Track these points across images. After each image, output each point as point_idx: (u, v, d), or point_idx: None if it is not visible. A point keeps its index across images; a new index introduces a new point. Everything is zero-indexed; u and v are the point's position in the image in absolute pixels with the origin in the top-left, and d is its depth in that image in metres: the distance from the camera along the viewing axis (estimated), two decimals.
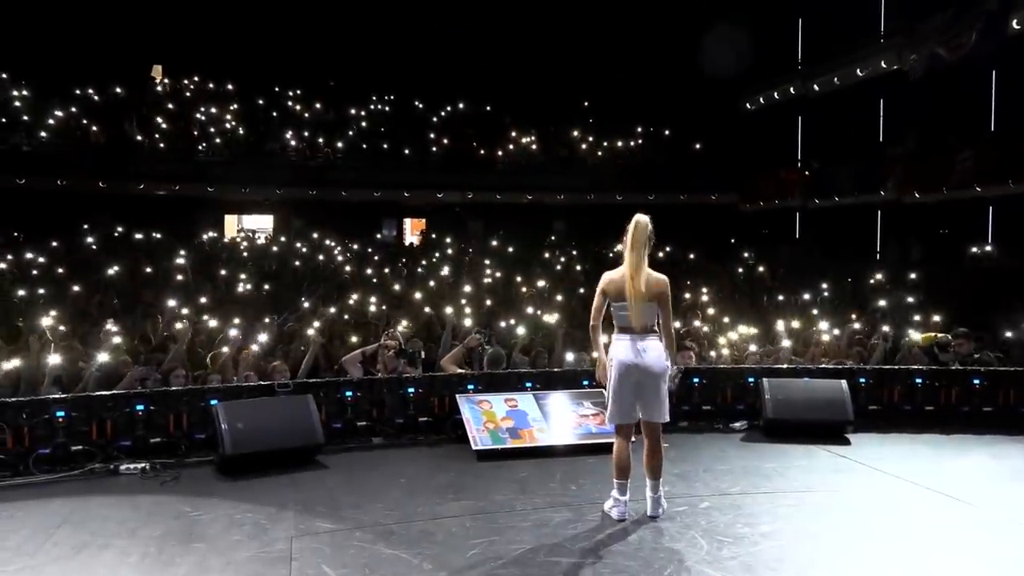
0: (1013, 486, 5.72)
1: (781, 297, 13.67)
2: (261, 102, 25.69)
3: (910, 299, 12.35)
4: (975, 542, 4.65)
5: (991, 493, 5.50)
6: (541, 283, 13.88)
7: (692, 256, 18.58)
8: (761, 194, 23.56)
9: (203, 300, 11.39)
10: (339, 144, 24.12)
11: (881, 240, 20.56)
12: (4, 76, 23.15)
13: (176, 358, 7.39)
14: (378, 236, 24.26)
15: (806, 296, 13.12)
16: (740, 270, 17.08)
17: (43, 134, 21.57)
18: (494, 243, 20.18)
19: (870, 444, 6.77)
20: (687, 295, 12.73)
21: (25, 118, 21.89)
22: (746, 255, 19.00)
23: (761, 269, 17.13)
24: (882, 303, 11.69)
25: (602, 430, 6.46)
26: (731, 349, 9.11)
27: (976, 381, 7.42)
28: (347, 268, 15.64)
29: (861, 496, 5.48)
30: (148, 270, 14.48)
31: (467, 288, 12.65)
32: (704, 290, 13.03)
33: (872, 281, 14.31)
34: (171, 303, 10.42)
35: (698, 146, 25.31)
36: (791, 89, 22.82)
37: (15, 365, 6.91)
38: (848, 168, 20.11)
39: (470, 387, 7.03)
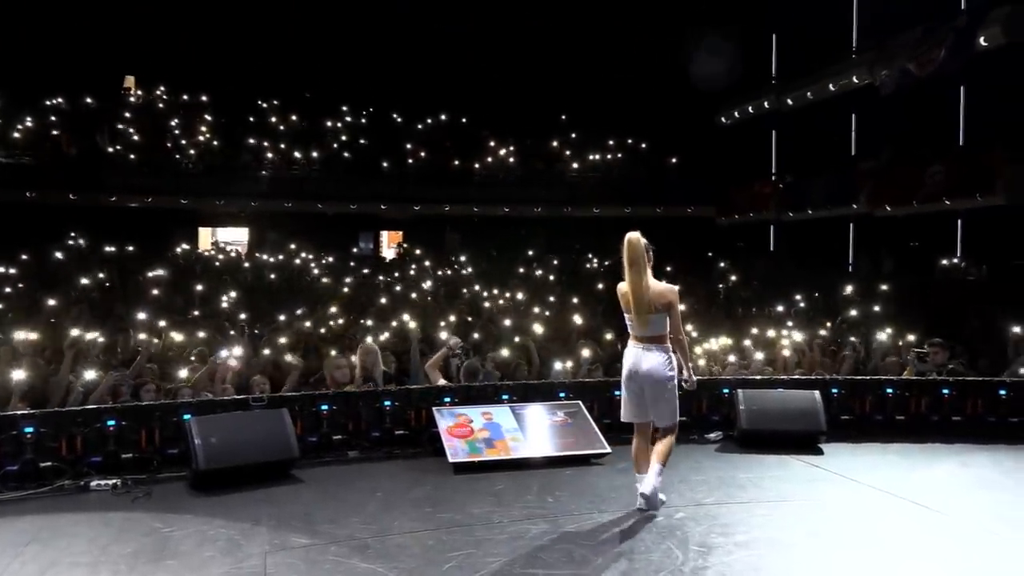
0: (981, 494, 5.82)
1: (755, 309, 13.81)
2: (236, 113, 25.55)
3: (876, 308, 12.54)
4: (944, 550, 4.73)
5: (960, 501, 5.59)
6: (519, 295, 13.93)
7: (668, 269, 18.67)
8: (737, 207, 23.79)
9: (176, 314, 11.30)
10: (315, 156, 24.05)
11: (853, 252, 20.85)
12: None
13: (139, 369, 7.32)
14: (355, 249, 24.17)
15: (779, 307, 13.26)
16: (720, 285, 17.21)
17: (14, 147, 21.29)
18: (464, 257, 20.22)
19: (842, 454, 6.85)
20: None
21: None
22: (722, 266, 19.16)
23: (734, 278, 17.28)
24: (852, 314, 11.86)
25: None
26: (708, 361, 9.19)
27: (945, 391, 7.55)
28: (324, 280, 15.59)
29: (834, 505, 5.54)
30: (121, 283, 14.32)
31: (440, 301, 12.66)
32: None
33: (845, 293, 14.49)
34: (142, 316, 10.33)
35: (675, 159, 25.54)
36: (765, 103, 23.12)
37: None
38: (821, 181, 20.39)
39: (447, 400, 7.04)
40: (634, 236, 5.23)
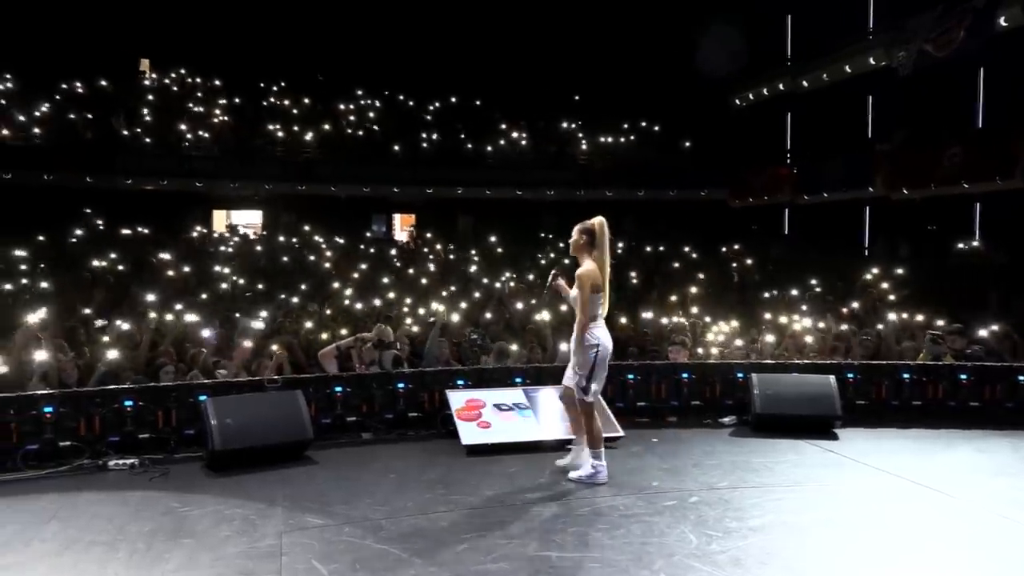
0: (997, 480, 5.77)
1: (768, 293, 13.74)
2: (250, 96, 25.54)
3: (891, 297, 12.44)
4: (959, 535, 4.70)
5: (976, 487, 5.55)
6: (531, 278, 13.92)
7: (681, 252, 18.63)
8: (750, 190, 23.63)
9: (191, 296, 11.35)
10: (328, 139, 24.02)
11: (870, 236, 20.67)
12: None
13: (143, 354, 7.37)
14: (368, 233, 24.17)
15: (794, 291, 13.19)
16: (733, 265, 17.14)
17: (35, 130, 21.38)
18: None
19: (858, 439, 6.81)
20: (676, 291, 12.76)
21: (12, 112, 21.68)
22: (735, 250, 19.08)
23: (749, 261, 17.20)
24: (862, 301, 11.75)
25: None
26: (719, 347, 9.16)
27: (963, 376, 7.48)
28: (336, 264, 15.62)
29: (849, 490, 5.52)
30: (137, 266, 14.40)
31: (452, 286, 12.67)
32: (693, 288, 13.07)
33: (867, 277, 14.35)
34: (152, 298, 10.38)
35: (688, 142, 25.36)
36: (780, 86, 22.91)
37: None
38: (837, 164, 20.21)
39: (460, 382, 7.04)
40: (603, 219, 5.51)
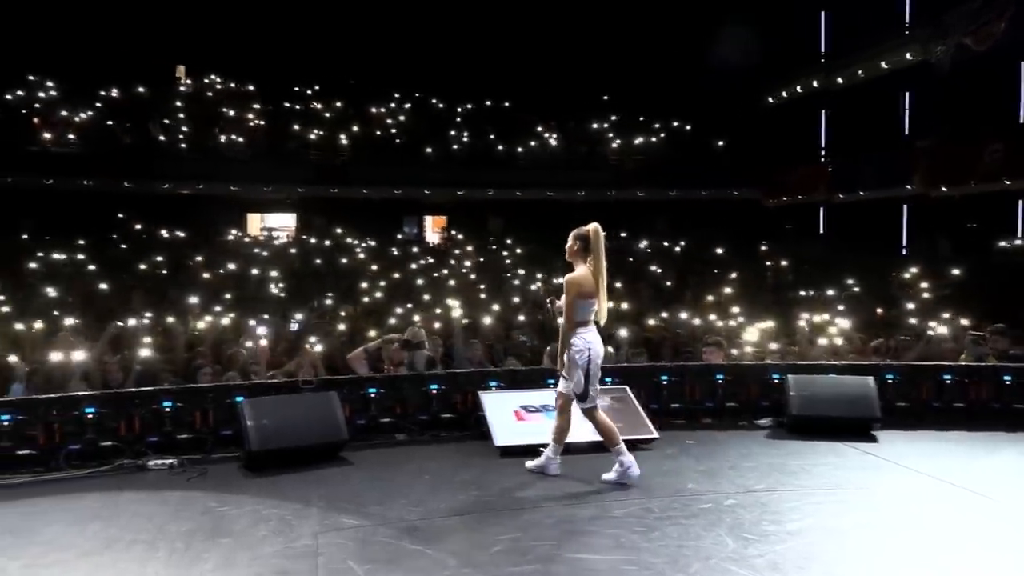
0: None
1: (804, 293, 13.58)
2: (282, 101, 25.84)
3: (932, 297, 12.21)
4: (1001, 539, 4.59)
5: (1020, 490, 5.42)
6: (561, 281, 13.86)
7: (715, 252, 18.48)
8: (785, 189, 23.37)
9: (227, 297, 11.51)
10: (360, 142, 24.21)
11: (908, 235, 20.33)
12: (31, 77, 23.48)
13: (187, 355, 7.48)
14: (399, 236, 24.29)
15: (830, 291, 13.01)
16: (767, 265, 16.96)
17: (74, 137, 21.84)
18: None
19: (898, 441, 6.69)
20: (710, 292, 12.66)
21: (54, 118, 22.17)
22: (769, 250, 18.88)
23: (784, 261, 17.01)
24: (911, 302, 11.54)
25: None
26: (754, 347, 9.06)
27: (1007, 378, 7.30)
28: (372, 267, 15.75)
29: (889, 493, 5.42)
30: (173, 269, 14.65)
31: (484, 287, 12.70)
32: (727, 288, 12.96)
33: (907, 275, 14.08)
34: (194, 300, 10.54)
35: (720, 141, 25.13)
36: (814, 82, 22.61)
37: (46, 362, 7.02)
38: (873, 162, 19.89)
39: (492, 384, 7.05)
40: (598, 226, 5.59)
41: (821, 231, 23.62)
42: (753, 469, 5.90)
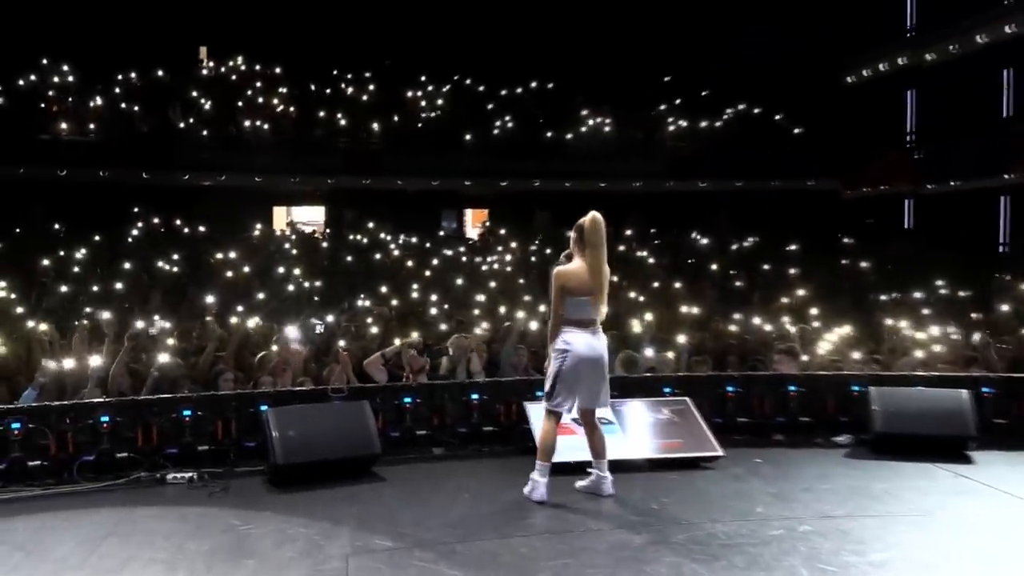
0: None
1: (887, 295, 13.35)
2: (311, 84, 26.12)
3: None
4: None
5: None
6: (614, 279, 13.83)
7: (786, 249, 18.26)
8: (865, 179, 22.99)
9: (253, 298, 11.68)
10: (394, 129, 24.35)
11: (1007, 230, 19.84)
12: (44, 61, 24.08)
13: (207, 360, 7.60)
14: (437, 231, 24.38)
15: (917, 294, 12.76)
16: (845, 262, 16.71)
17: (90, 125, 22.35)
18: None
19: (996, 463, 6.53)
20: (781, 293, 12.49)
21: (70, 104, 22.71)
22: (848, 247, 18.60)
23: (865, 261, 16.76)
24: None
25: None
26: (833, 357, 8.91)
27: None
28: (408, 263, 15.86)
29: (985, 522, 5.29)
30: (194, 267, 14.92)
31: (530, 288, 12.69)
32: (800, 290, 12.81)
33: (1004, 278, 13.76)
34: (211, 300, 10.72)
35: (793, 126, 24.75)
36: (901, 60, 22.19)
37: (60, 366, 7.18)
38: (967, 148, 19.46)
39: (539, 394, 7.01)
40: (600, 216, 5.58)
41: (907, 226, 23.23)
42: (831, 492, 5.82)
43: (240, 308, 10.40)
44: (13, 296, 11.55)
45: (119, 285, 12.45)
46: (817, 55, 22.33)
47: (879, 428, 6.78)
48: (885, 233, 21.77)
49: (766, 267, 16.37)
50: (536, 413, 6.67)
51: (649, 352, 8.48)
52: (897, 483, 6.03)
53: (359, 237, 19.80)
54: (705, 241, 19.59)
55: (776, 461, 6.56)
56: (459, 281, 13.60)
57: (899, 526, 5.18)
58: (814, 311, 11.37)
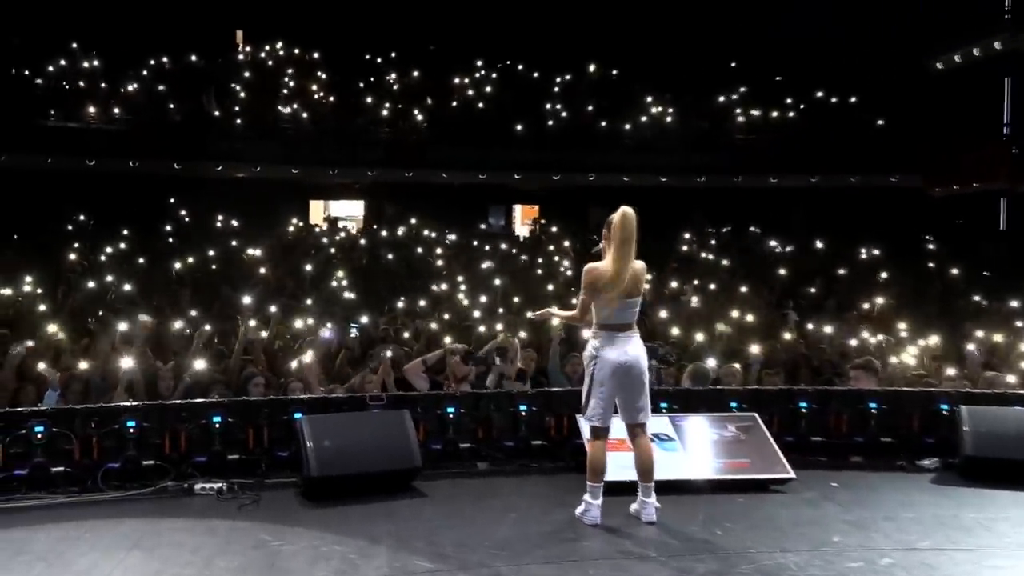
0: None
1: (979, 303, 13.09)
2: (352, 71, 26.36)
3: None
4: None
5: None
6: (674, 285, 13.82)
7: (866, 252, 17.99)
8: (955, 175, 22.50)
9: (287, 298, 11.82)
10: (439, 118, 24.46)
11: None
12: (74, 45, 24.65)
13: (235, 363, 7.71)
14: (483, 226, 24.44)
15: (1014, 303, 12.48)
16: (932, 267, 16.41)
17: (116, 110, 22.84)
18: None
19: None
20: (860, 300, 12.30)
21: (99, 92, 23.23)
22: (935, 250, 18.24)
23: (954, 266, 16.45)
24: None
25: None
26: (919, 373, 8.74)
27: None
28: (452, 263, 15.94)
29: None
30: (227, 264, 15.15)
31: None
32: (881, 297, 12.63)
33: None
34: (247, 300, 10.84)
35: (875, 116, 24.34)
36: (997, 44, 21.68)
37: (86, 367, 7.33)
38: None
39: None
40: (631, 211, 5.57)
41: (1002, 227, 22.73)
42: (915, 522, 5.72)
43: (273, 308, 10.50)
44: (39, 291, 11.81)
45: (148, 283, 12.68)
46: (902, 39, 21.93)
47: (969, 451, 6.66)
48: (977, 235, 21.39)
49: (843, 272, 16.14)
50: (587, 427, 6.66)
51: (713, 363, 8.40)
52: (990, 513, 5.91)
53: (400, 233, 19.94)
54: (775, 242, 19.37)
55: (854, 485, 6.48)
56: (497, 282, 13.58)
57: (992, 560, 5.08)
58: (897, 321, 11.18)
